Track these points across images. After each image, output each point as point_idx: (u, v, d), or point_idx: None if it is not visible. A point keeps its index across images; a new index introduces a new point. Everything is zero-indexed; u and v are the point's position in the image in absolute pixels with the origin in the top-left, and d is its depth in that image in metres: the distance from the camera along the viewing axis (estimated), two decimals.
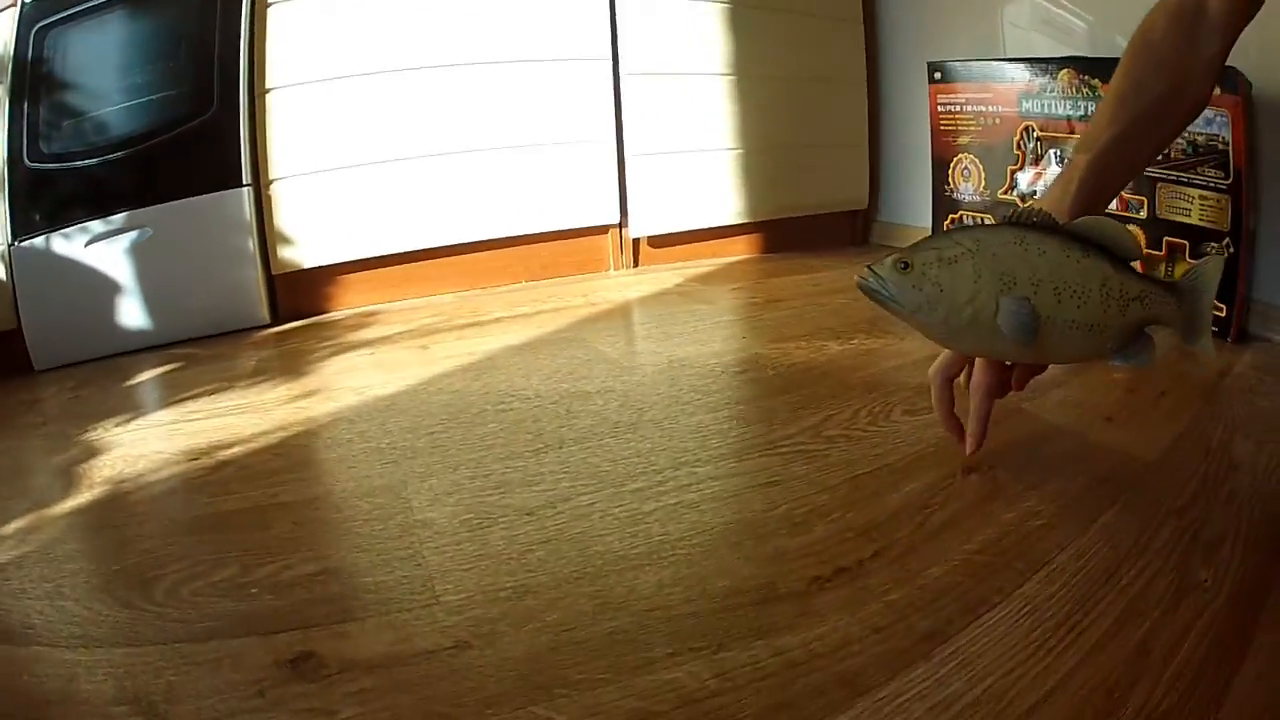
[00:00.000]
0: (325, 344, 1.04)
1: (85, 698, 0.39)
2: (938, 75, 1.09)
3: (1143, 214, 0.91)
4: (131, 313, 1.13)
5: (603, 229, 1.29)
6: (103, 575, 0.51)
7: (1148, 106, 0.56)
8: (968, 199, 1.10)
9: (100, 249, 1.12)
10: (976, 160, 1.07)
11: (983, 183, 1.07)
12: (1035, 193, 1.01)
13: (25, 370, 1.13)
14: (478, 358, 0.92)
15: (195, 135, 1.10)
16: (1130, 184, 0.94)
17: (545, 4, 1.15)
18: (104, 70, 1.10)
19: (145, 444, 0.76)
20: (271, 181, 1.09)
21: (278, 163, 1.08)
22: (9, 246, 1.13)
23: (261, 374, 0.95)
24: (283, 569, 0.50)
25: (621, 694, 0.36)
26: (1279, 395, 0.72)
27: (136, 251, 1.11)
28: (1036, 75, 0.97)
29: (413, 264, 1.18)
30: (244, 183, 1.11)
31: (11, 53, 1.03)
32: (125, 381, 1.03)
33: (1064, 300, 0.51)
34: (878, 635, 0.39)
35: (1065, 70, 0.95)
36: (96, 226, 1.11)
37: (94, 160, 1.09)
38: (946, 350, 0.58)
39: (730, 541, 0.49)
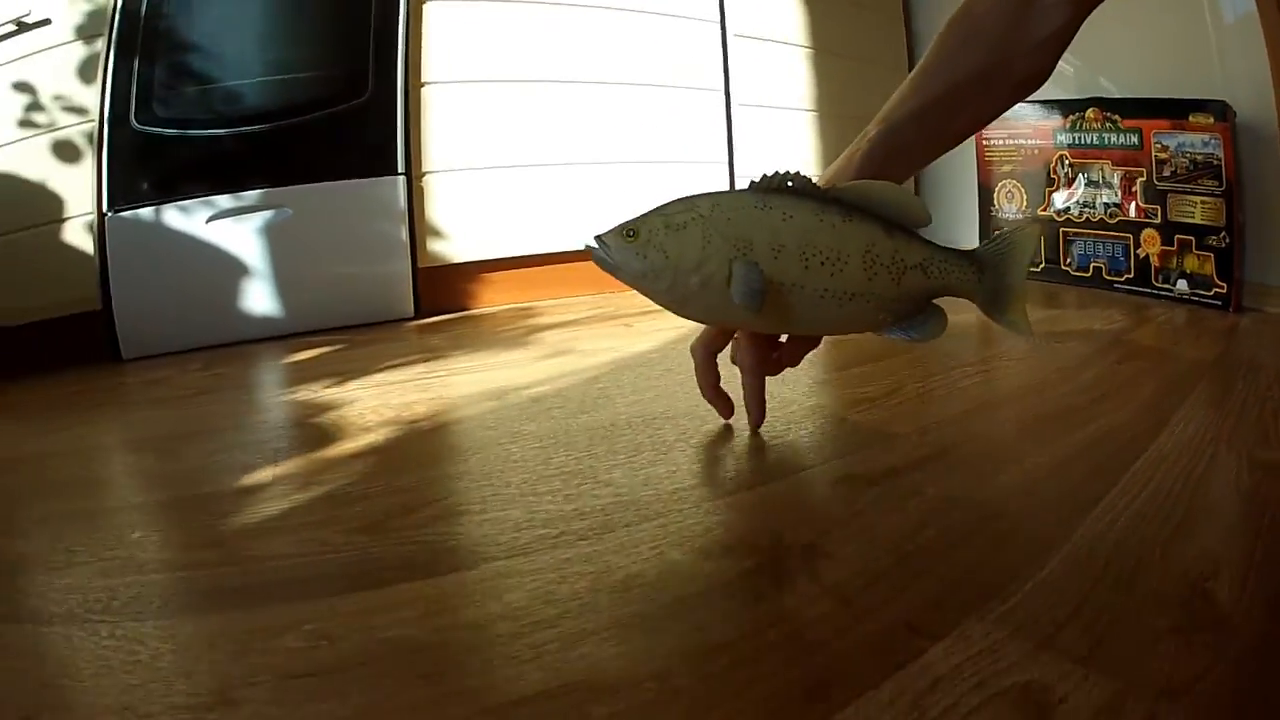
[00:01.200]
0: (508, 327, 1.12)
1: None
2: None
3: (1157, 219, 1.24)
4: (257, 298, 1.12)
5: None
6: (520, 486, 0.54)
7: (957, 82, 0.55)
8: (1011, 216, 1.41)
9: (225, 226, 1.12)
10: (1019, 184, 1.40)
11: (1024, 203, 1.40)
12: (1069, 209, 1.33)
13: (107, 358, 1.08)
14: (693, 329, 1.03)
15: (347, 118, 1.17)
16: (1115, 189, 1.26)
17: (672, 38, 1.39)
18: (240, 39, 1.12)
19: (401, 394, 0.78)
20: (424, 173, 1.16)
21: (431, 155, 1.17)
22: (103, 216, 1.09)
23: (469, 346, 1.00)
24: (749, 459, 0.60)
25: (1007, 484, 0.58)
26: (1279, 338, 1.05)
27: (271, 232, 1.13)
28: (1068, 113, 1.30)
29: (543, 267, 1.29)
30: (399, 171, 1.16)
31: (120, 3, 1.05)
32: (280, 359, 1.03)
33: (813, 267, 0.50)
34: (1130, 431, 0.64)
35: (1091, 109, 1.29)
36: (223, 202, 1.12)
37: (223, 131, 1.10)
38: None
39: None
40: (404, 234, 1.19)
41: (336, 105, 1.15)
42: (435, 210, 1.21)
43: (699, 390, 0.63)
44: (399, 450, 0.64)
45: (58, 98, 1.10)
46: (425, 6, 1.19)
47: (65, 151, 1.11)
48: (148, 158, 1.09)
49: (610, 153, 1.33)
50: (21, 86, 1.10)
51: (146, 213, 1.09)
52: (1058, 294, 1.33)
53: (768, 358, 0.58)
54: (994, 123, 1.46)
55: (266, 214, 1.12)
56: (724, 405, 0.63)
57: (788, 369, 0.61)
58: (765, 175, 0.52)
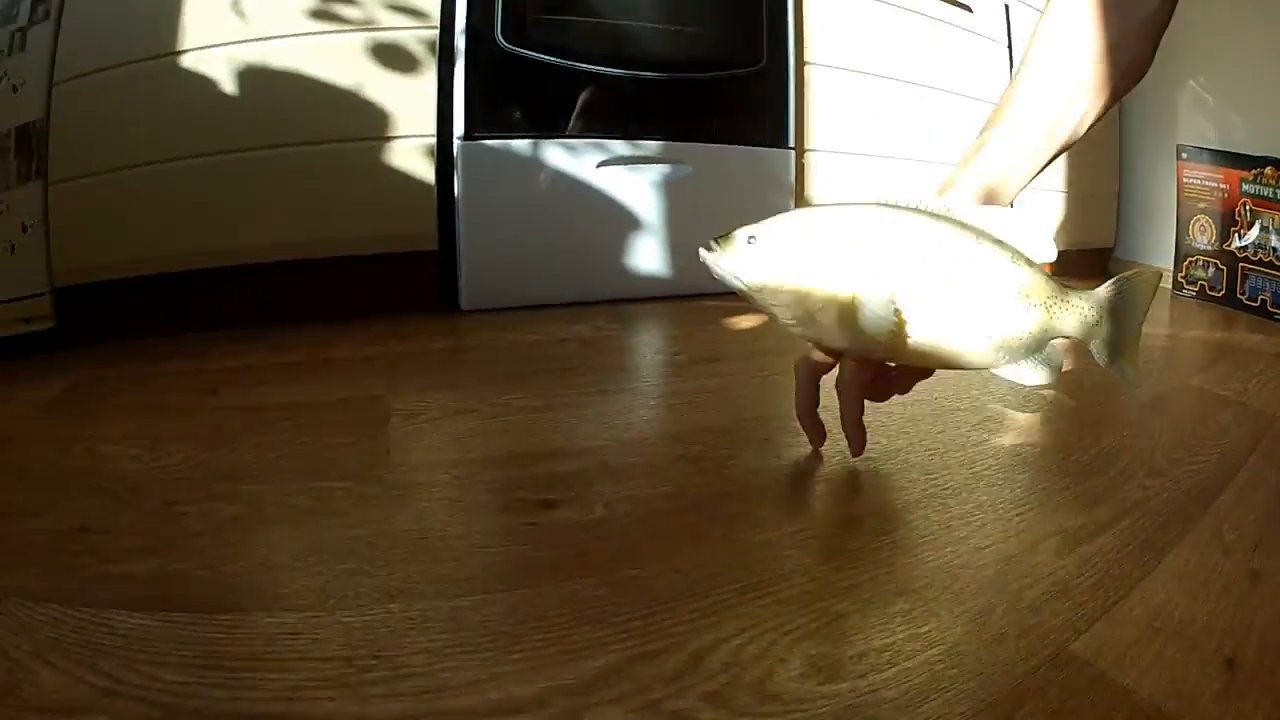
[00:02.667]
0: None
1: None
2: (1184, 155, 1.64)
3: None
4: (641, 254, 1.06)
5: None
6: None
7: (1063, 82, 0.55)
8: (1202, 248, 1.64)
9: (616, 174, 1.05)
10: (1210, 220, 1.63)
11: (1214, 237, 1.62)
12: (1245, 246, 1.56)
13: (438, 305, 1.00)
14: None
15: (743, 84, 1.16)
16: None
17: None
18: None
19: None
20: (806, 150, 1.16)
21: (813, 134, 1.17)
22: (449, 141, 0.97)
23: None
24: None
25: None
26: None
27: (667, 188, 1.08)
28: (1251, 168, 1.55)
29: None
30: (789, 145, 1.16)
31: None
32: (708, 324, 1.00)
33: (941, 298, 0.49)
34: None
35: (1270, 167, 1.54)
36: (618, 147, 1.04)
37: (620, 71, 1.06)
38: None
39: None
40: (791, 207, 1.16)
41: (733, 68, 1.12)
42: (813, 188, 1.19)
43: (795, 411, 0.61)
44: None
45: None
46: None
47: (392, 58, 0.99)
48: (520, 84, 0.99)
49: (936, 155, 1.39)
50: None
51: (519, 146, 0.98)
52: (1234, 319, 1.57)
53: (876, 383, 0.57)
54: (1195, 163, 1.69)
55: (665, 168, 1.06)
56: (818, 433, 0.61)
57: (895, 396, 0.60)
58: (898, 196, 0.52)
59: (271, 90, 0.93)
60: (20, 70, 1.01)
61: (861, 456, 0.58)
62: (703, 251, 0.53)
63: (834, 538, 0.50)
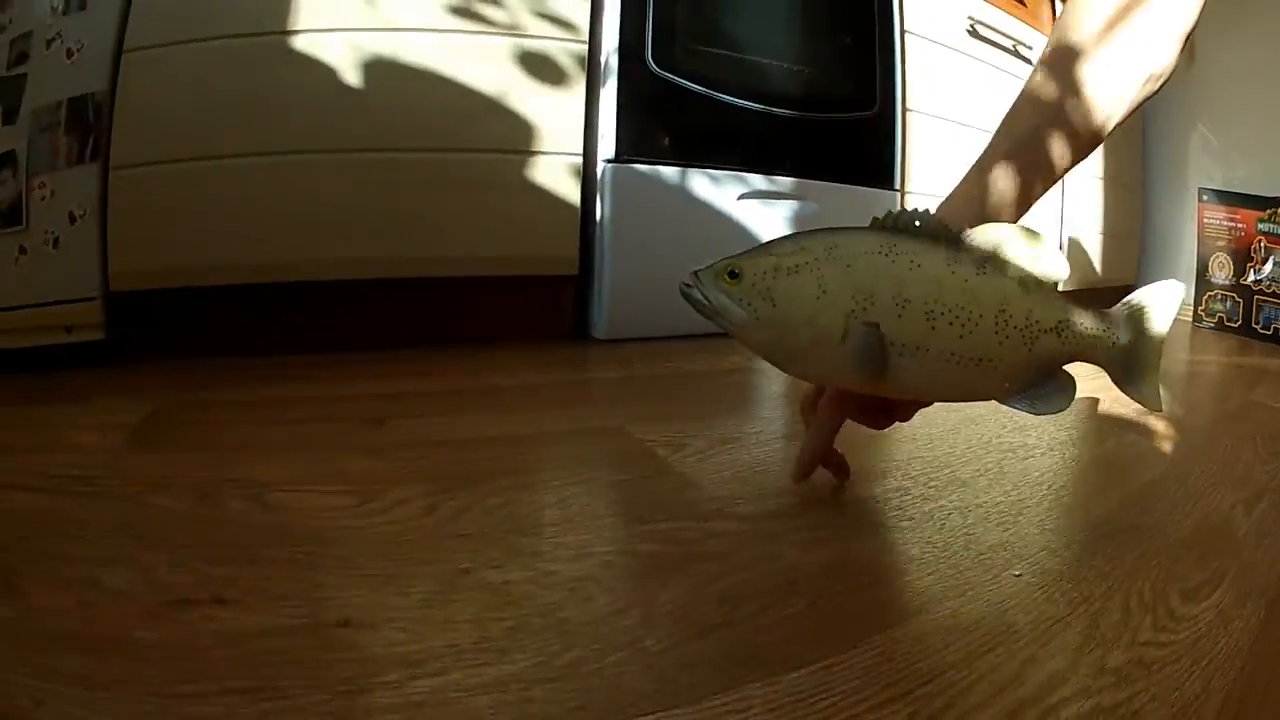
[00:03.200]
0: None
1: None
2: (1205, 197, 1.72)
3: None
4: None
5: None
6: None
7: (1084, 82, 0.52)
8: (1220, 282, 1.73)
9: (754, 208, 1.04)
10: (1228, 258, 1.72)
11: (1231, 273, 1.71)
12: (1260, 280, 1.66)
13: (559, 334, 0.96)
14: None
15: (859, 127, 1.21)
16: None
17: None
18: (767, 16, 1.10)
19: None
20: (907, 193, 1.19)
21: (911, 177, 1.23)
22: (594, 162, 0.94)
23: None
24: None
25: None
26: None
27: (795, 224, 1.10)
28: (1266, 208, 1.66)
29: None
30: (895, 187, 1.18)
31: None
32: None
33: (940, 327, 0.45)
34: None
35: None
36: (757, 181, 1.05)
37: (757, 105, 1.07)
38: None
39: None
40: None
41: (852, 111, 1.15)
42: None
43: (803, 450, 0.56)
44: None
45: None
46: (907, 38, 1.25)
47: (538, 67, 0.93)
48: (669, 109, 0.97)
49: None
50: None
51: (667, 172, 0.94)
52: (1250, 346, 1.68)
53: (876, 412, 0.54)
54: (1215, 204, 1.77)
55: (795, 204, 1.06)
56: (805, 472, 0.56)
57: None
58: (890, 212, 0.48)
59: (398, 88, 0.82)
60: (78, 32, 0.86)
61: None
62: (681, 284, 0.49)
63: (1128, 511, 0.59)
